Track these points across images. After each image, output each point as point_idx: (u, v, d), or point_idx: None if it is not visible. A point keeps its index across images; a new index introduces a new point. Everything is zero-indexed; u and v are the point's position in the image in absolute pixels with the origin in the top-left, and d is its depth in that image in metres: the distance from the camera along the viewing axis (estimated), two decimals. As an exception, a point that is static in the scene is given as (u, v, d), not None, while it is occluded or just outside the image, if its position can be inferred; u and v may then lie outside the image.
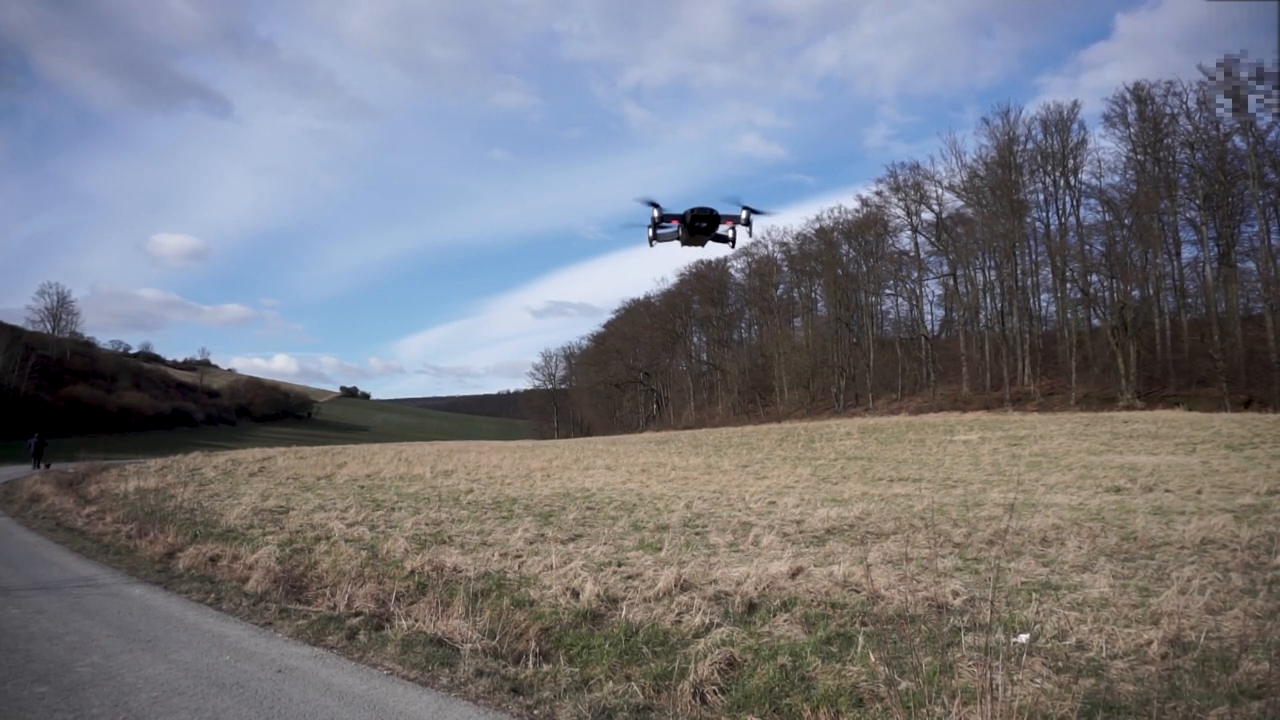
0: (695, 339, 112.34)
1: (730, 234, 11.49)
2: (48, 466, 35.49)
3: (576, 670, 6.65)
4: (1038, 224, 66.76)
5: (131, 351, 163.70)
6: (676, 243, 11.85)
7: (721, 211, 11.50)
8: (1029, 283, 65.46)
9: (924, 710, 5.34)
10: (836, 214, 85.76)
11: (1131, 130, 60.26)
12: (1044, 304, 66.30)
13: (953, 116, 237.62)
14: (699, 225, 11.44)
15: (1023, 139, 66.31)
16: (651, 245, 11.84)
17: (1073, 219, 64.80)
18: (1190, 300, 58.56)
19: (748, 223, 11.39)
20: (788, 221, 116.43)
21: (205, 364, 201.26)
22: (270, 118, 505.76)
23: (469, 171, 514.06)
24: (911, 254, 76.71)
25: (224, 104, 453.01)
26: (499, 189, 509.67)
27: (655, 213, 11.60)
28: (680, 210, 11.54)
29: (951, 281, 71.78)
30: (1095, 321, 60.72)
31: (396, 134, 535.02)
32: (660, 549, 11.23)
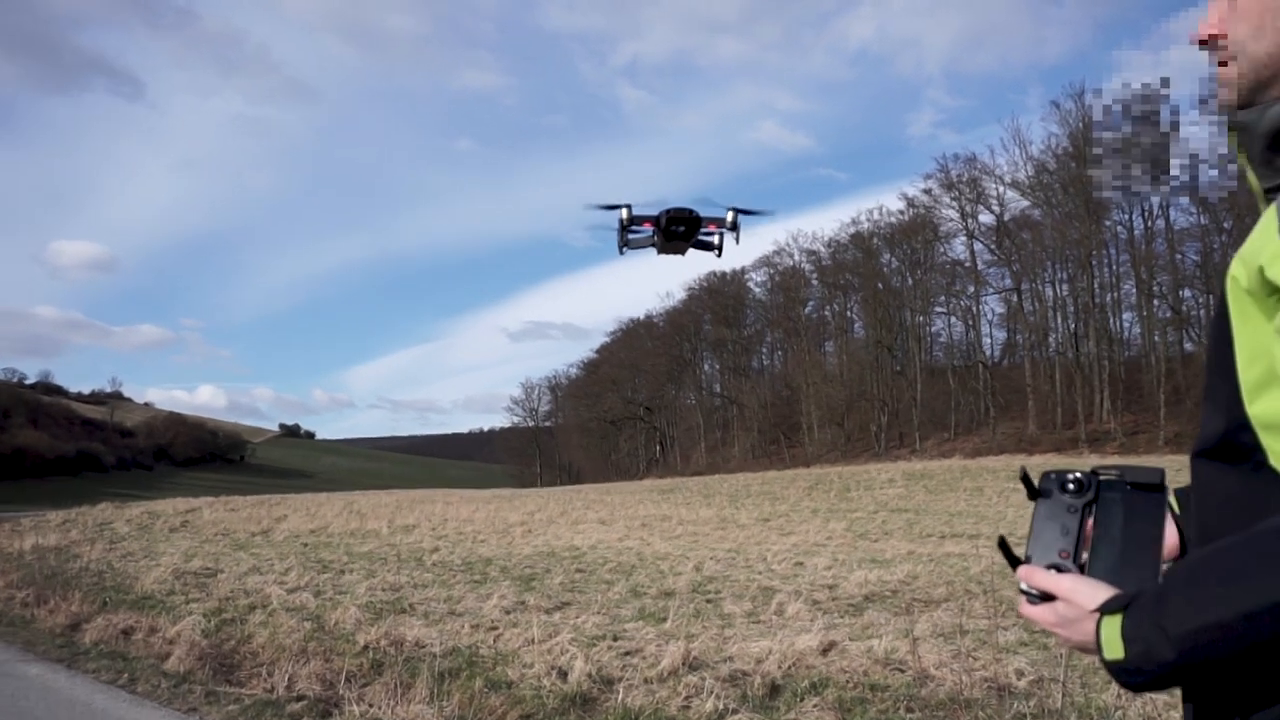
0: (707, 367, 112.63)
1: (715, 240, 11.44)
2: (-74, 520, 35.46)
3: (563, 766, 6.65)
4: (1119, 228, 66.88)
5: (27, 382, 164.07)
6: (652, 250, 11.75)
7: (704, 213, 11.36)
8: (1108, 299, 65.65)
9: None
10: (876, 216, 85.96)
11: (1230, 117, 60.54)
12: (1126, 324, 66.51)
13: (1013, 99, 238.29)
14: (675, 229, 11.26)
15: (1100, 126, 66.66)
16: (621, 252, 11.75)
17: (1161, 222, 65.09)
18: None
19: (734, 227, 11.28)
20: (817, 225, 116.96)
21: (116, 397, 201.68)
22: (191, 101, 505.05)
23: (432, 166, 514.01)
24: (967, 264, 77.03)
25: (135, 84, 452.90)
26: (467, 187, 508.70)
27: (624, 214, 11.41)
28: (654, 212, 11.36)
29: (1015, 298, 72.05)
30: (1188, 345, 60.89)
31: (344, 121, 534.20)
32: (664, 619, 11.22)
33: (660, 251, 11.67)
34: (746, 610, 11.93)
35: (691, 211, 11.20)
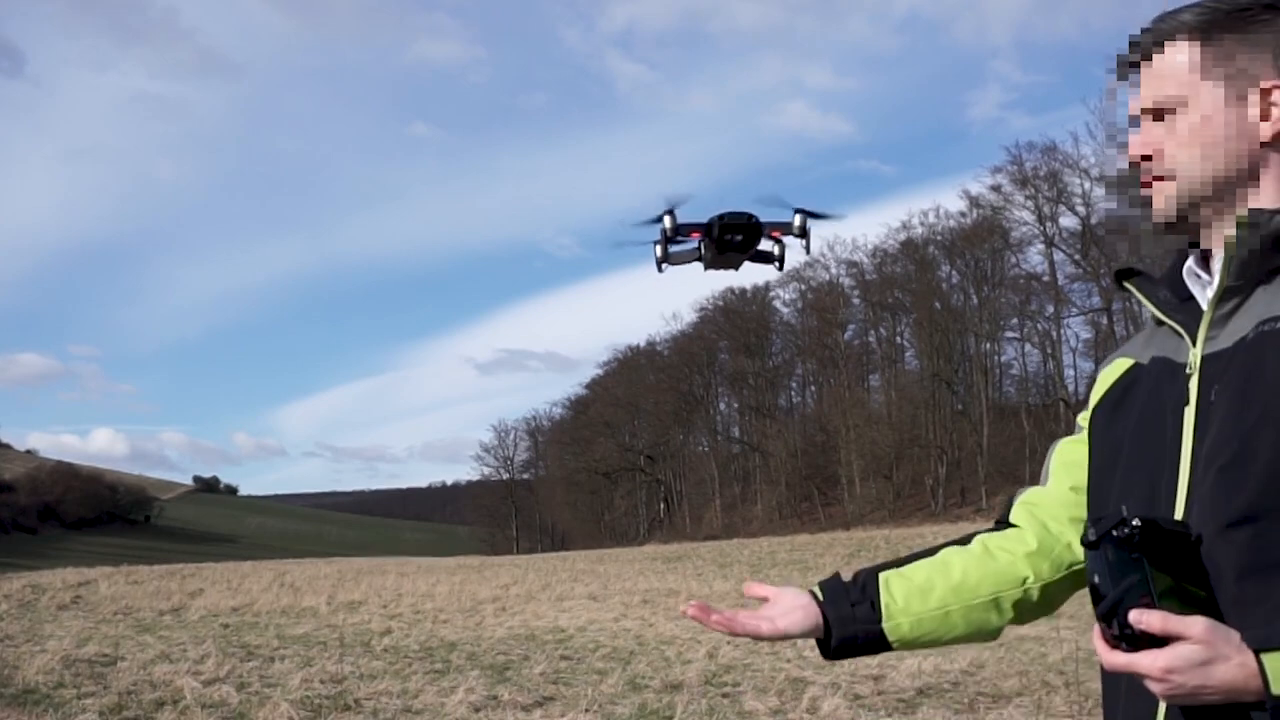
0: (723, 405, 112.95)
1: (776, 251, 11.33)
2: None
3: None
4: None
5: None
6: (697, 265, 11.60)
7: (764, 219, 11.21)
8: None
9: None
10: (932, 219, 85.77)
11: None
12: (1241, 353, 66.58)
13: (1100, 75, 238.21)
14: (730, 239, 11.07)
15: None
16: (661, 269, 11.58)
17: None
18: None
19: (804, 233, 11.11)
20: (858, 229, 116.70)
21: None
22: (81, 76, 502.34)
23: (381, 157, 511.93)
24: (1045, 279, 77.10)
25: (12, 56, 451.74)
26: (425, 182, 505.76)
27: (666, 223, 11.23)
28: (703, 219, 11.17)
29: (1105, 320, 72.21)
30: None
31: (272, 102, 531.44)
32: (671, 718, 11.24)
33: (709, 267, 11.56)
34: (772, 707, 11.95)
35: (751, 217, 11.06)
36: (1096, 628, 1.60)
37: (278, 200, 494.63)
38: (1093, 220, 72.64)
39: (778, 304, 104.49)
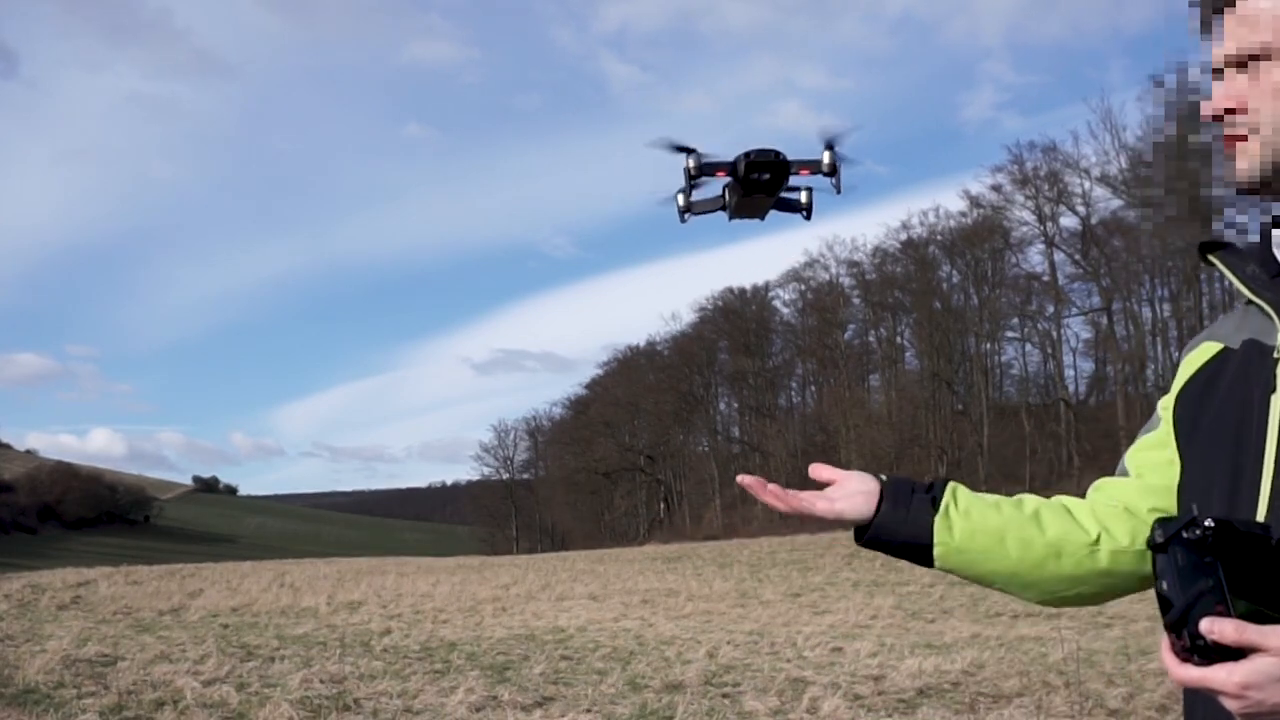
0: (723, 405, 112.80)
1: (804, 199, 10.95)
2: None
3: None
4: (1234, 233, 67.14)
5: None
6: (721, 214, 11.23)
7: (792, 157, 10.78)
8: (1219, 321, 65.70)
9: None
10: (933, 219, 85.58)
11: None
12: (1241, 353, 66.47)
13: (1091, 75, 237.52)
14: (757, 178, 10.61)
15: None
16: (684, 219, 11.18)
17: (1283, 227, 65.28)
18: None
19: (833, 171, 10.67)
20: (856, 229, 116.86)
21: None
22: (76, 77, 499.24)
23: (377, 158, 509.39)
24: (1045, 279, 77.10)
25: (7, 58, 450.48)
26: (421, 183, 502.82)
27: (690, 163, 10.78)
28: (726, 159, 10.74)
29: (1105, 320, 72.20)
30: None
31: (267, 102, 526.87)
32: (671, 718, 11.24)
33: (733, 215, 11.13)
34: (772, 708, 11.94)
35: (778, 154, 10.63)
36: (1165, 639, 1.45)
37: (274, 200, 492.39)
38: (1093, 220, 72.70)
39: (778, 304, 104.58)
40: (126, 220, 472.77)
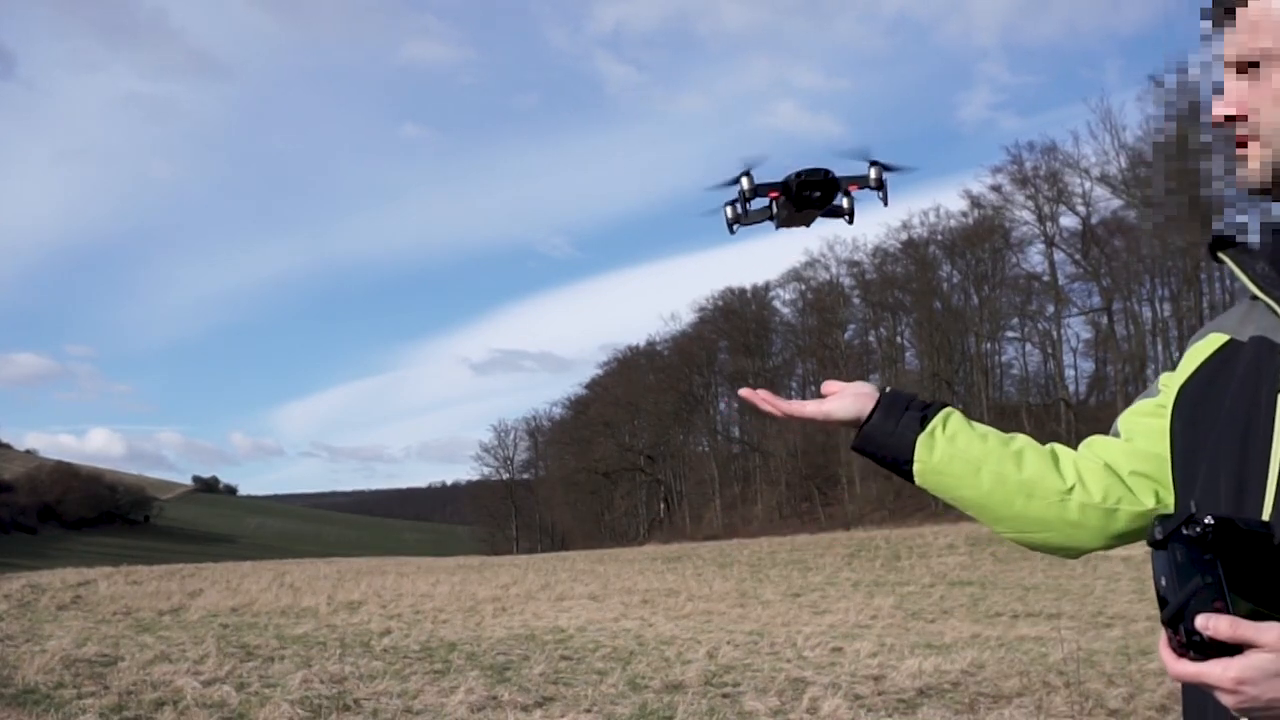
0: (723, 406, 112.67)
1: (847, 204, 11.21)
2: None
3: None
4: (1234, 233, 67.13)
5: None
6: (769, 224, 11.46)
7: (838, 173, 11.05)
8: (1219, 321, 65.67)
9: None
10: (933, 219, 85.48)
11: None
12: (1242, 352, 66.51)
13: (1086, 75, 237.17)
14: (809, 195, 10.91)
15: (1209, 105, 66.63)
16: (732, 231, 11.45)
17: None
18: None
19: (881, 185, 10.93)
20: (859, 229, 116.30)
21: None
22: (72, 77, 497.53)
23: (373, 158, 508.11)
24: (1045, 278, 77.12)
25: (4, 58, 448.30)
26: (419, 183, 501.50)
27: (744, 184, 11.07)
28: (776, 179, 11.03)
29: (1105, 320, 72.20)
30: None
31: (263, 103, 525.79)
32: (671, 718, 11.24)
33: (781, 225, 11.39)
34: (772, 707, 11.94)
35: (828, 172, 10.88)
36: (1163, 635, 1.46)
37: (272, 200, 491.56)
38: (1093, 220, 72.68)
39: (778, 304, 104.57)
40: (125, 220, 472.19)
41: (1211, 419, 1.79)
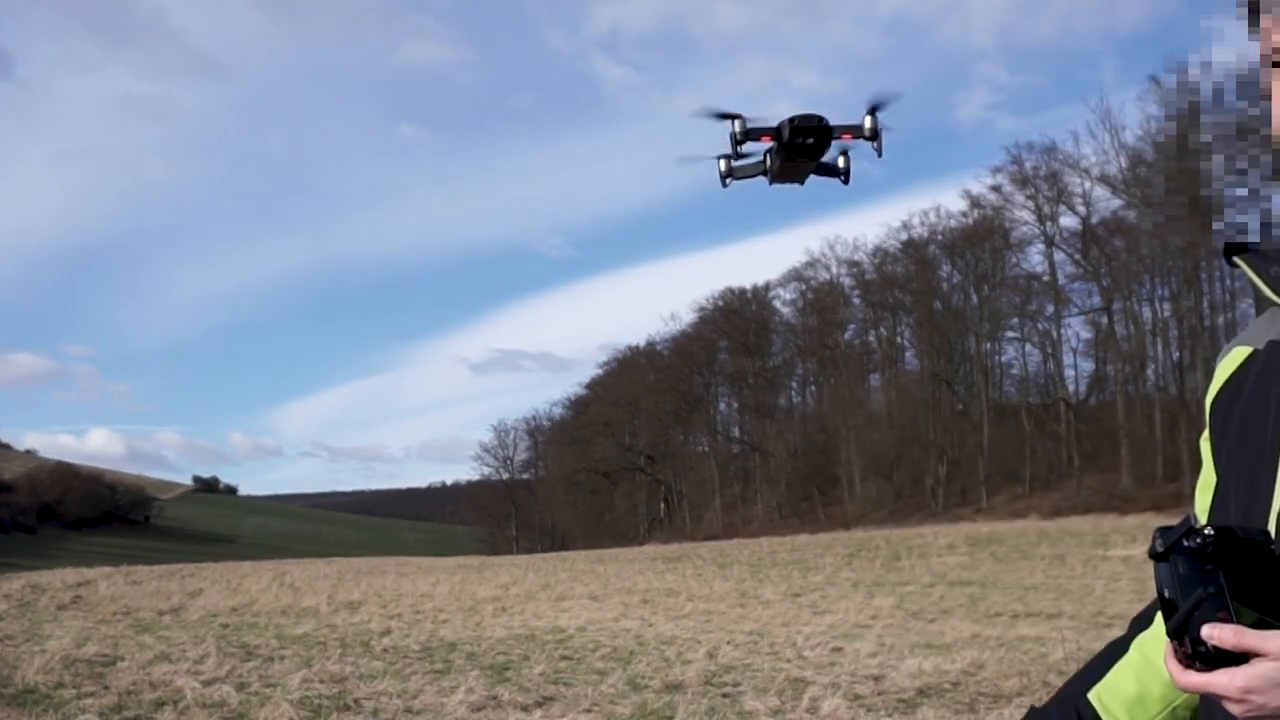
0: (723, 406, 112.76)
1: (843, 163, 11.04)
2: None
3: None
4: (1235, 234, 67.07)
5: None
6: (761, 179, 11.28)
7: (833, 121, 10.84)
8: (1220, 322, 65.62)
9: None
10: (933, 219, 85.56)
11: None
12: (1242, 353, 66.40)
13: (1083, 76, 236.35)
14: (801, 142, 10.70)
15: (1209, 104, 66.56)
16: (725, 184, 11.23)
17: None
18: None
19: (875, 135, 10.71)
20: (856, 229, 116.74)
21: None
22: (70, 78, 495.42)
23: (371, 158, 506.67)
24: (1045, 278, 77.11)
25: (2, 59, 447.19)
26: (416, 183, 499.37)
27: (735, 127, 10.83)
28: (770, 124, 10.81)
29: (1105, 320, 72.13)
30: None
31: (261, 103, 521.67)
32: (671, 718, 11.23)
33: (774, 179, 11.15)
34: (772, 707, 11.94)
35: (821, 119, 10.66)
36: (1168, 646, 1.47)
37: (271, 200, 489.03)
38: (1093, 220, 72.64)
39: (778, 304, 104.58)
40: (124, 220, 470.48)
41: (1234, 430, 1.76)
